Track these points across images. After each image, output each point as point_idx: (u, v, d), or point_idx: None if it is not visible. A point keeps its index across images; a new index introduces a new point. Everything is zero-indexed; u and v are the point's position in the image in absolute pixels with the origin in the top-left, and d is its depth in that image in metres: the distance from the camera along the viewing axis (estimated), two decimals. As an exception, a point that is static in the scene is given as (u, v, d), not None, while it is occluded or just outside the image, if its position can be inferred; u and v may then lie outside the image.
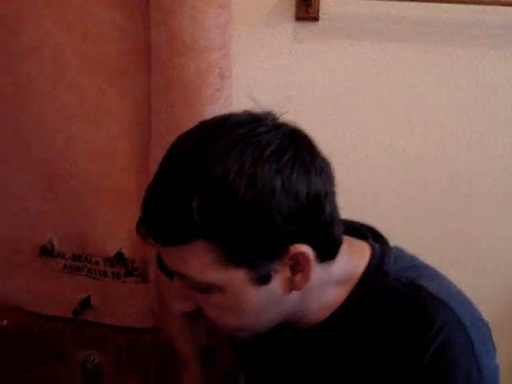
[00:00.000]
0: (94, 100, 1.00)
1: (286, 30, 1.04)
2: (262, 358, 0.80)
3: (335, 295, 0.69)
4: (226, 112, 0.95)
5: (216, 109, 0.95)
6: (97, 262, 1.10)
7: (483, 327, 0.68)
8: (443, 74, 1.08)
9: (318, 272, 0.64)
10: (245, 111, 0.63)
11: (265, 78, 1.08)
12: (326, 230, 0.63)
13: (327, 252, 0.64)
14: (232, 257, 0.58)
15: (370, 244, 0.72)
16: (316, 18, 1.02)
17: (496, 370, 0.67)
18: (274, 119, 0.61)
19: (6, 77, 1.03)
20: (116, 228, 1.06)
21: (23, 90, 1.02)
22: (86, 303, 1.12)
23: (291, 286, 0.63)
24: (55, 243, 1.11)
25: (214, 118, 0.64)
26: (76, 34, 0.98)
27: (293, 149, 0.59)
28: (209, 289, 0.61)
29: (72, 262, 1.11)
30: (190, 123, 0.92)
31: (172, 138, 0.97)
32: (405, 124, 1.11)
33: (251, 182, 0.55)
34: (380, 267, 0.69)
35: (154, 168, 0.98)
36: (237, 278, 0.60)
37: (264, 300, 0.63)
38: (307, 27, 1.03)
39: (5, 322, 1.17)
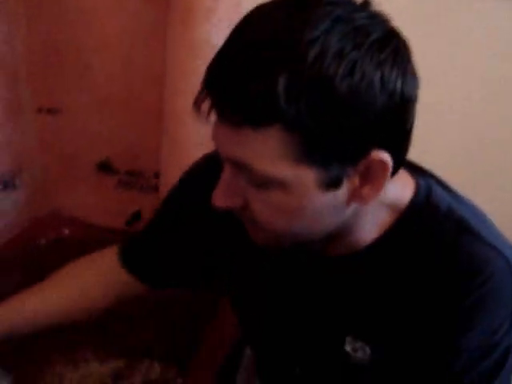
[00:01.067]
0: (151, 27, 1.14)
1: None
2: (278, 286, 0.74)
3: (383, 220, 0.64)
4: (219, 32, 1.02)
5: (208, 29, 1.03)
6: (149, 178, 1.26)
7: None
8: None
9: None
10: None
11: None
12: (406, 141, 0.57)
13: (397, 167, 0.57)
14: (308, 152, 0.52)
15: (410, 173, 0.66)
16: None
17: None
18: (373, 8, 0.54)
19: (72, 3, 1.17)
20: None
21: (87, 15, 1.17)
22: (137, 216, 1.29)
23: (356, 198, 0.57)
24: (111, 160, 1.28)
25: None
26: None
27: (394, 43, 0.53)
28: (269, 184, 0.55)
29: (126, 178, 1.28)
30: (183, 41, 1.04)
31: (174, 57, 1.09)
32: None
33: (350, 70, 0.49)
34: (429, 199, 0.64)
35: (168, 84, 1.13)
36: (306, 177, 0.53)
37: (325, 207, 0.57)
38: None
39: (66, 232, 1.34)
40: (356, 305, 0.67)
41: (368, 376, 0.67)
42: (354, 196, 0.57)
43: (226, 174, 0.58)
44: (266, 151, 0.52)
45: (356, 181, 0.55)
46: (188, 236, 0.82)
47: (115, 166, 1.28)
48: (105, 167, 1.28)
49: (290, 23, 0.50)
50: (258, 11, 0.53)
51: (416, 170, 0.67)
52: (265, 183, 0.55)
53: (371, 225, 0.63)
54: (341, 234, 0.63)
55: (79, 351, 1.44)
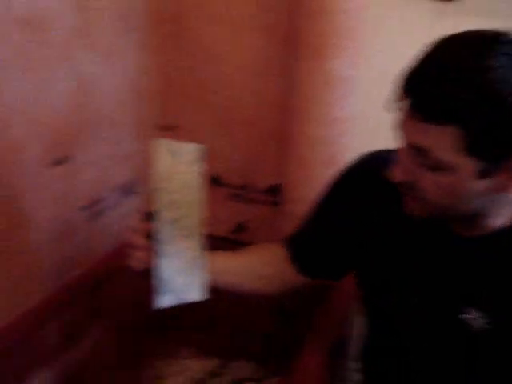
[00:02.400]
0: (269, 60, 1.34)
1: (425, 8, 1.30)
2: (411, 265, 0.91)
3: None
4: (347, 69, 1.23)
5: (338, 64, 1.21)
6: (257, 192, 1.45)
7: None
8: None
9: None
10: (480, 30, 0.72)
11: (404, 51, 1.32)
12: None
13: None
14: (473, 147, 0.69)
15: None
16: (450, -1, 1.27)
17: None
18: None
19: (196, 39, 1.38)
20: (277, 163, 1.39)
21: (207, 49, 1.39)
22: (243, 226, 1.47)
23: (500, 189, 0.74)
24: (224, 174, 1.48)
25: (479, 30, 0.72)
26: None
27: None
28: (438, 168, 0.72)
29: (235, 191, 1.47)
30: (314, 77, 1.23)
31: (304, 88, 1.30)
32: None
33: None
34: None
35: (296, 113, 1.33)
36: (467, 166, 0.71)
37: (475, 192, 0.74)
38: (444, 6, 1.28)
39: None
40: (479, 279, 0.83)
41: (482, 345, 0.83)
42: (499, 187, 0.74)
43: (404, 156, 0.77)
44: (443, 142, 0.70)
45: (504, 175, 0.72)
46: (341, 225, 0.99)
47: (226, 180, 1.47)
48: (216, 181, 1.48)
49: (475, 54, 0.68)
50: (448, 41, 0.72)
51: None
52: (435, 167, 0.73)
53: (504, 213, 0.81)
54: (476, 217, 0.80)
55: (179, 348, 1.63)
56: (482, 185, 0.73)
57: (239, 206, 1.47)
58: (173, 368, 1.62)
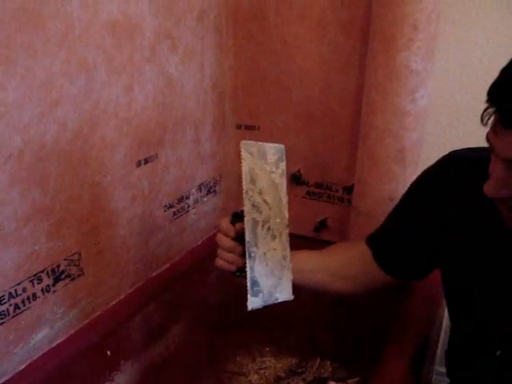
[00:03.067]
0: (347, 56, 1.33)
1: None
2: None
3: None
4: (418, 61, 1.19)
5: (408, 56, 1.18)
6: (336, 190, 1.44)
7: None
8: None
9: None
10: None
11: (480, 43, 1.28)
12: None
13: None
14: None
15: None
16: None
17: None
18: None
19: (277, 37, 1.41)
20: (355, 161, 1.37)
21: (291, 46, 1.40)
22: (323, 224, 1.47)
23: None
24: (302, 172, 1.48)
25: None
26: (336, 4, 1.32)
27: None
28: None
29: (314, 189, 1.48)
30: (384, 67, 1.22)
31: (374, 80, 1.29)
32: None
33: None
34: None
35: (366, 106, 1.32)
36: None
37: None
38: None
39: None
40: None
41: None
42: None
43: (498, 170, 0.73)
44: None
45: None
46: (422, 226, 0.97)
47: (305, 177, 1.48)
48: (295, 179, 1.49)
49: None
50: None
51: None
52: None
53: None
54: None
55: (259, 346, 1.66)
56: None
57: (319, 205, 1.48)
58: (253, 365, 1.65)
